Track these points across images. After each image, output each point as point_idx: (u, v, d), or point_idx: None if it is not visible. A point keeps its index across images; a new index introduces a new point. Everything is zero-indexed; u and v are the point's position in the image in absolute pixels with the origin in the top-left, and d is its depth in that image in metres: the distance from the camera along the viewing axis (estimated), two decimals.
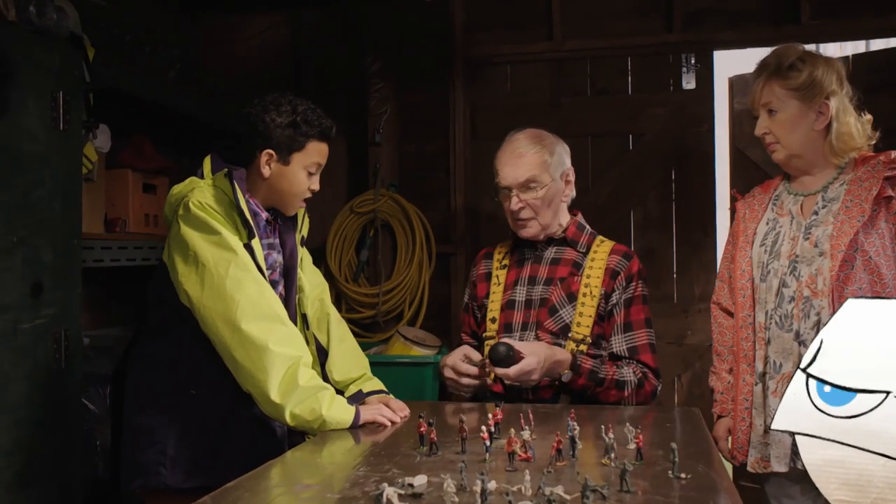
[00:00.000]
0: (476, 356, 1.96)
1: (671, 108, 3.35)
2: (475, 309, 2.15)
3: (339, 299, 3.53)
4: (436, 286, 3.43)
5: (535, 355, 1.82)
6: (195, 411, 1.74)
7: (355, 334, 3.44)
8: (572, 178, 2.06)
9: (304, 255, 2.03)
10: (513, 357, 1.81)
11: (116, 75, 2.56)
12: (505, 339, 1.88)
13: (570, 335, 1.94)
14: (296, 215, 1.95)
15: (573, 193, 2.09)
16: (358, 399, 1.88)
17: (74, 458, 2.14)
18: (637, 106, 3.38)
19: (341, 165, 3.74)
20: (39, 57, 2.02)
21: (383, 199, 3.44)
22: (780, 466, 1.79)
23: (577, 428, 1.43)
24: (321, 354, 1.97)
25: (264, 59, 3.76)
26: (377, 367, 2.86)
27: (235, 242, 1.69)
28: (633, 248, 3.36)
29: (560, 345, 1.94)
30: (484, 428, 1.43)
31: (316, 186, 1.86)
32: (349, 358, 1.98)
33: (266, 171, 1.80)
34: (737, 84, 3.35)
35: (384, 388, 1.95)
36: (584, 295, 1.95)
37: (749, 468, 1.86)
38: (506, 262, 2.11)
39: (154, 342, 1.81)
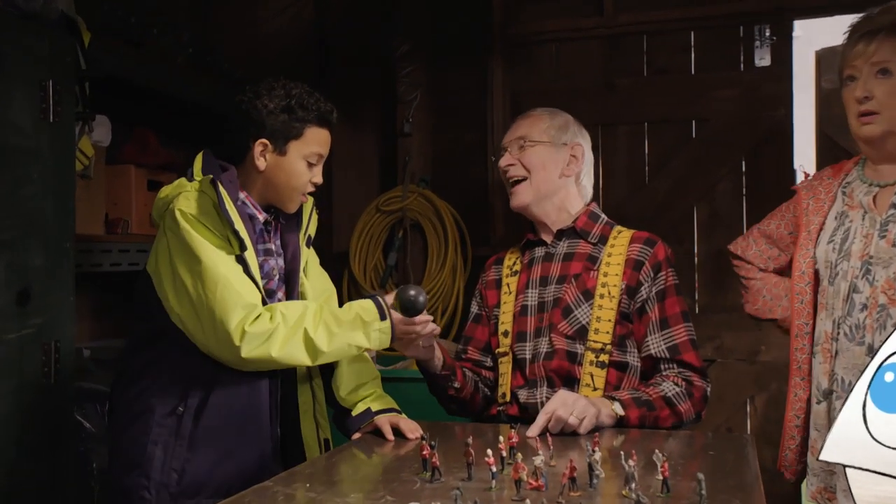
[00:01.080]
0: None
1: (742, 88, 3.26)
2: (487, 318, 2.11)
3: None
4: (471, 294, 3.39)
5: (556, 399, 1.74)
6: (181, 432, 1.76)
7: None
8: (581, 156, 2.04)
9: (310, 256, 2.04)
10: (421, 303, 1.74)
11: (117, 62, 2.62)
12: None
13: (587, 342, 1.90)
14: (300, 213, 1.97)
15: (586, 181, 2.06)
16: (366, 418, 1.88)
17: (66, 482, 2.19)
18: (702, 87, 3.30)
19: (372, 159, 3.78)
20: (26, 42, 2.08)
21: (413, 196, 3.45)
22: (847, 501, 1.71)
23: (598, 453, 1.39)
24: (326, 366, 1.98)
25: (286, 42, 3.82)
26: (401, 383, 2.88)
27: (218, 260, 1.71)
28: (696, 251, 3.32)
29: (576, 351, 1.90)
30: (490, 452, 1.40)
31: (318, 179, 1.86)
32: (357, 372, 1.98)
33: (261, 162, 1.82)
34: (825, 58, 3.22)
35: (396, 407, 1.95)
36: (602, 295, 1.91)
37: (810, 498, 1.80)
38: (516, 266, 2.08)
39: (139, 356, 1.84)
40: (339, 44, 3.78)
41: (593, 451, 1.40)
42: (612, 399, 1.81)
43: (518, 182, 2.01)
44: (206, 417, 1.76)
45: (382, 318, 1.74)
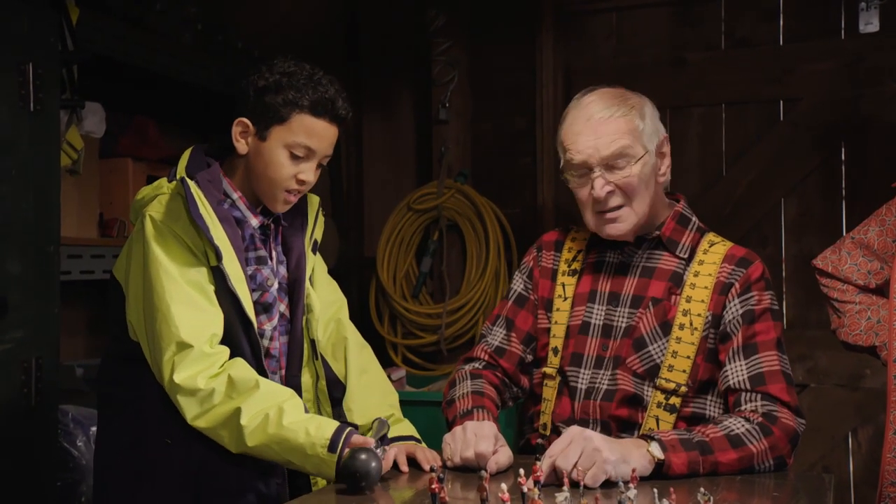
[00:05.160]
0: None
1: (842, 60, 3.20)
2: (534, 307, 1.98)
3: (393, 321, 3.58)
4: None
5: (561, 440, 1.61)
6: (172, 465, 1.79)
7: (414, 366, 3.54)
8: (667, 148, 1.91)
9: (317, 263, 2.06)
10: (373, 474, 1.59)
11: (112, 41, 2.68)
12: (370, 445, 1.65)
13: (656, 382, 1.80)
14: (306, 214, 1.99)
15: (668, 174, 1.93)
16: (379, 446, 1.90)
17: None
18: (792, 60, 3.25)
19: (407, 151, 3.82)
20: (1, 20, 2.14)
21: (449, 193, 3.47)
22: None
23: (633, 490, 1.38)
24: (336, 388, 2.00)
25: (311, 16, 3.88)
26: (434, 407, 2.88)
27: (170, 285, 1.73)
28: (784, 255, 3.25)
29: (643, 394, 1.80)
30: (504, 487, 1.40)
31: (307, 177, 1.82)
32: (372, 394, 1.99)
33: (241, 145, 1.82)
34: None
35: (415, 434, 1.96)
36: (682, 326, 1.80)
37: None
38: (576, 264, 1.96)
39: (118, 379, 1.87)
40: (369, 17, 3.83)
41: (626, 488, 1.39)
42: (650, 439, 1.65)
43: (615, 209, 1.84)
44: (200, 448, 1.78)
45: (331, 450, 1.65)
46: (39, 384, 2.23)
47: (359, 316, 3.82)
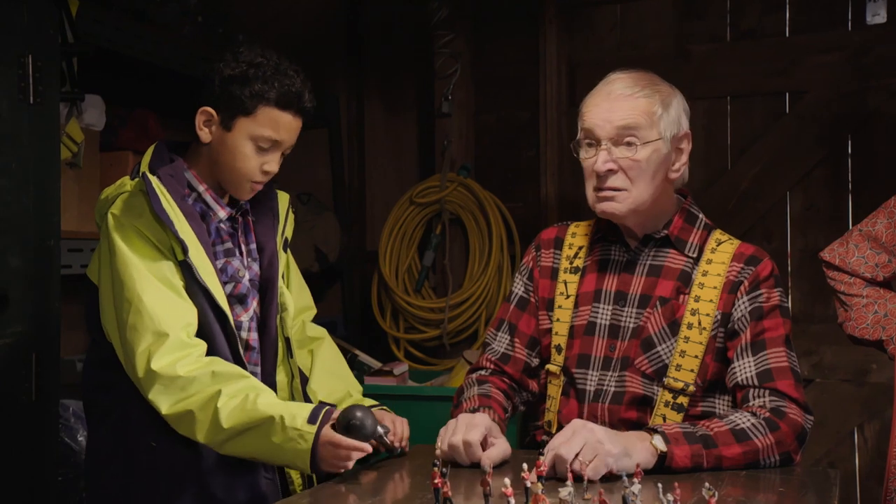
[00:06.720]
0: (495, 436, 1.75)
1: (848, 53, 3.18)
2: (535, 308, 1.97)
3: (395, 315, 3.58)
4: None
5: (564, 432, 1.62)
6: (159, 468, 1.80)
7: (416, 360, 3.54)
8: (687, 147, 1.87)
9: (291, 266, 2.07)
10: (368, 428, 1.65)
11: (112, 33, 2.69)
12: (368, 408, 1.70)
13: (664, 381, 1.79)
14: (276, 210, 1.98)
15: (685, 172, 1.91)
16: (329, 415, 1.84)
17: None
18: (798, 52, 3.23)
19: (410, 144, 3.82)
20: (1, 12, 2.14)
21: (452, 187, 3.47)
22: None
23: (637, 485, 1.38)
24: (302, 383, 2.01)
25: (312, 8, 3.89)
26: (437, 402, 2.89)
27: (139, 278, 1.73)
28: (789, 250, 3.24)
29: (652, 395, 1.80)
30: (507, 481, 1.40)
31: (271, 168, 1.84)
32: (328, 378, 2.02)
33: (204, 134, 1.82)
34: None
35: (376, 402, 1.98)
36: (690, 325, 1.79)
37: None
38: (578, 262, 1.94)
39: (100, 385, 1.88)
40: (371, 9, 3.82)
41: (631, 483, 1.38)
42: (654, 431, 1.66)
43: (614, 190, 1.82)
44: (186, 449, 1.78)
45: (311, 421, 1.64)
46: (40, 379, 2.23)
47: (361, 310, 3.83)
